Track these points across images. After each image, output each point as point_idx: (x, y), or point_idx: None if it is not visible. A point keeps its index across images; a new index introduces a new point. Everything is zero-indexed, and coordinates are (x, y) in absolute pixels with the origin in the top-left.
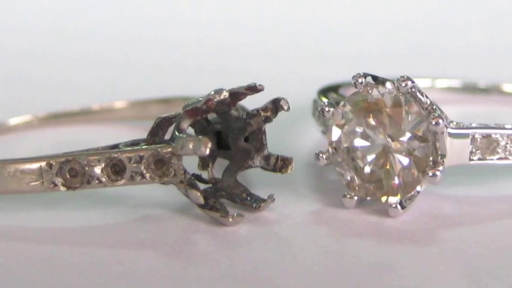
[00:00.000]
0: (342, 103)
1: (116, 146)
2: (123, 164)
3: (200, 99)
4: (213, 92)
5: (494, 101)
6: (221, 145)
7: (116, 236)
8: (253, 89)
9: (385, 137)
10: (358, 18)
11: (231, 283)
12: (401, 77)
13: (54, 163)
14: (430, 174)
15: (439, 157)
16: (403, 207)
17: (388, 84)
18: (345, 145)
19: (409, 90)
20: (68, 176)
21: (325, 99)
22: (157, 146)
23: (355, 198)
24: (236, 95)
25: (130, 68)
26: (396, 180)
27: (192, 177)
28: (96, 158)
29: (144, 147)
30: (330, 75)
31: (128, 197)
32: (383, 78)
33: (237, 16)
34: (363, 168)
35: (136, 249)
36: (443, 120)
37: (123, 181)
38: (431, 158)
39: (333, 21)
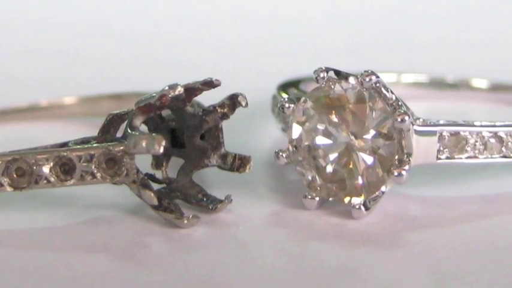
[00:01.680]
0: (302, 99)
1: (65, 144)
2: (73, 163)
3: (154, 94)
4: (167, 88)
5: (463, 97)
6: (176, 143)
7: (65, 239)
8: (210, 84)
9: (348, 134)
10: (320, 9)
11: None
12: (365, 71)
13: (0, 162)
14: (396, 173)
15: (405, 156)
16: (367, 209)
17: (352, 79)
18: (306, 143)
19: (374, 85)
20: (15, 175)
21: (285, 95)
22: (109, 144)
23: (317, 199)
24: (191, 90)
25: (80, 62)
26: (360, 180)
27: (145, 177)
28: (44, 157)
29: (94, 145)
30: (290, 70)
31: (78, 197)
32: (346, 73)
33: (191, 7)
34: (325, 168)
35: (87, 253)
36: (409, 117)
37: (72, 181)
38: (396, 157)
39: (293, 12)
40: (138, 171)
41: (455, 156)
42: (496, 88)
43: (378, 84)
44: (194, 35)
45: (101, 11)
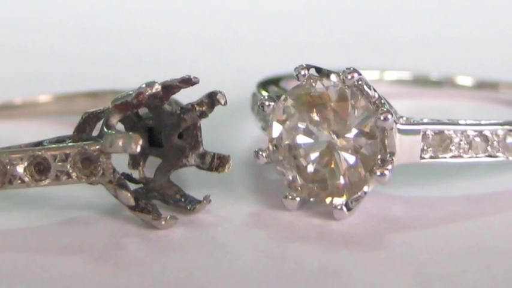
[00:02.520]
0: (283, 97)
1: (40, 143)
2: (48, 162)
3: (130, 92)
4: (144, 85)
5: (447, 95)
6: (153, 142)
7: (40, 240)
8: (188, 81)
9: (330, 133)
10: (301, 5)
11: None
12: (347, 68)
13: None
14: (378, 173)
15: (388, 155)
16: (349, 209)
17: (333, 77)
18: (287, 142)
19: (356, 83)
20: None
21: (265, 93)
22: (85, 143)
23: (298, 199)
24: (169, 88)
25: (55, 59)
26: (342, 180)
27: (122, 177)
28: (18, 156)
29: (70, 144)
30: (270, 67)
31: (53, 198)
32: (327, 70)
33: (169, 3)
34: (306, 167)
35: (62, 254)
36: (392, 115)
37: (47, 181)
38: (379, 156)
39: (274, 8)
40: (114, 170)
41: (440, 156)
42: (481, 86)
43: (360, 82)
44: (171, 31)
45: (76, 7)
